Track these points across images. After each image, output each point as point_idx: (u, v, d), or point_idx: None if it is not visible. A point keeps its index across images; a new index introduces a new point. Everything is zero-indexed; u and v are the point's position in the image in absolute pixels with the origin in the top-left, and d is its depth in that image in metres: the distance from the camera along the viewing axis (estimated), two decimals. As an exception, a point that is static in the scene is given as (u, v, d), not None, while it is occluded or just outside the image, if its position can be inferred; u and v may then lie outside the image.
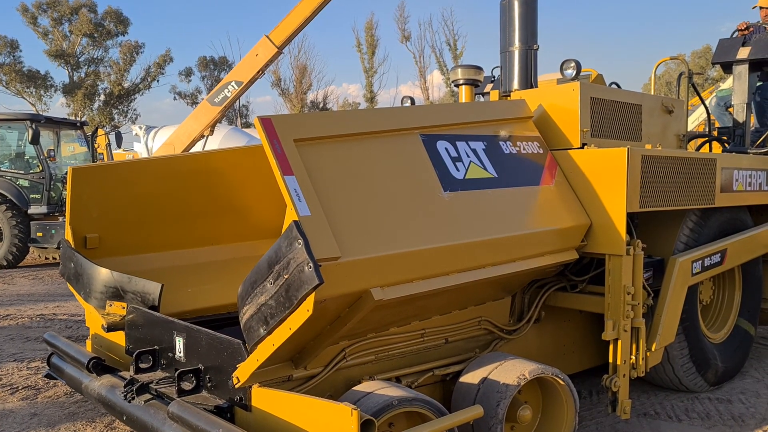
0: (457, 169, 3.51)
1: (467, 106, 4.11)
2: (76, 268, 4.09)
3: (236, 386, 2.93)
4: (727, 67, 6.09)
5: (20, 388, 5.17)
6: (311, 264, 2.49)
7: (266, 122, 2.82)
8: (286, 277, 2.62)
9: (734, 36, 6.15)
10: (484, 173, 3.63)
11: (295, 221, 2.58)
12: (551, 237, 3.76)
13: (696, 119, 12.03)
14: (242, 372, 2.90)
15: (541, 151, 4.04)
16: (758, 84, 6.45)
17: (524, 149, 3.96)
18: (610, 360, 3.99)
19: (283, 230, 2.66)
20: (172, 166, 4.61)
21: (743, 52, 5.70)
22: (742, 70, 5.80)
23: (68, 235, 4.19)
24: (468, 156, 3.62)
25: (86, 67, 42.58)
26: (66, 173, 13.08)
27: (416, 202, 3.24)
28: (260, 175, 4.82)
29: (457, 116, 3.81)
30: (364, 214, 2.98)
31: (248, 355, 2.87)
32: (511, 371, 3.39)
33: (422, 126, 3.51)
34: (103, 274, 3.93)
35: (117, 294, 3.86)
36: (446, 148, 3.55)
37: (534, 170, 3.91)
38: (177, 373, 3.18)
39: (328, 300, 2.74)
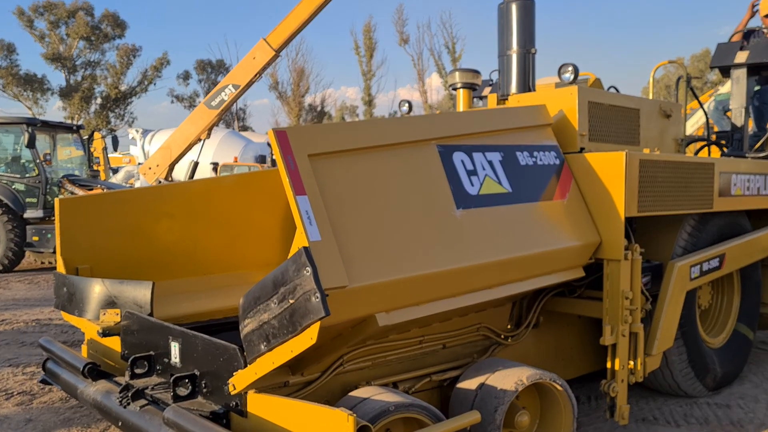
0: (472, 184, 3.42)
1: (486, 114, 3.96)
2: (68, 289, 4.07)
3: (232, 393, 2.91)
4: (726, 71, 6.09)
5: (15, 393, 5.14)
6: (318, 295, 2.45)
7: (281, 135, 2.74)
8: (291, 301, 2.57)
9: (732, 40, 6.15)
10: (498, 188, 3.54)
11: (305, 247, 2.53)
12: (561, 256, 3.72)
13: (695, 123, 12.04)
14: (239, 381, 2.88)
15: (557, 162, 3.93)
16: (756, 88, 6.44)
17: (540, 160, 3.85)
18: (609, 365, 3.97)
19: (292, 251, 2.61)
20: (161, 195, 4.65)
21: (741, 56, 5.70)
22: (740, 74, 5.80)
23: (60, 266, 4.19)
24: (484, 169, 3.53)
25: (83, 70, 42.62)
26: (62, 177, 13.16)
27: (428, 221, 3.15)
28: (252, 204, 4.93)
29: (476, 125, 3.69)
30: (374, 236, 2.91)
31: (246, 365, 2.84)
32: (508, 377, 3.37)
33: (440, 137, 3.40)
34: (94, 285, 3.91)
35: (110, 302, 3.84)
36: (462, 161, 3.44)
37: (548, 184, 3.81)
38: (172, 378, 3.15)
39: (332, 325, 2.71)
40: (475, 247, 3.27)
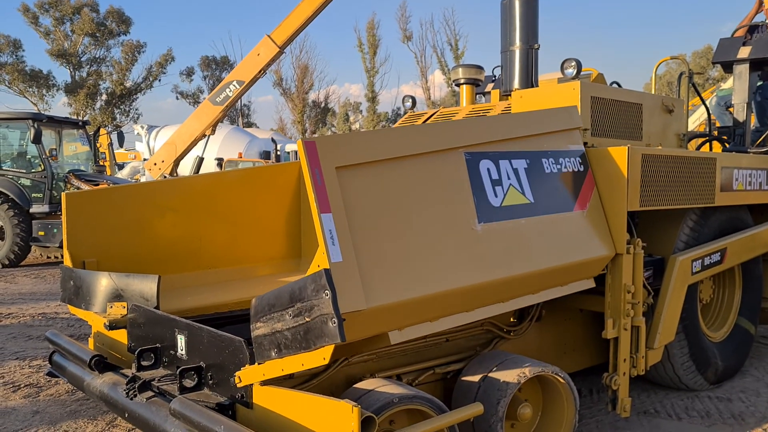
0: (495, 195, 3.35)
1: (516, 118, 3.83)
2: (75, 282, 4.11)
3: (238, 385, 2.95)
4: (728, 67, 6.09)
5: (22, 386, 5.19)
6: (336, 320, 2.45)
7: (310, 146, 2.65)
8: (307, 319, 2.57)
9: (735, 35, 6.16)
10: (521, 199, 3.48)
11: (325, 270, 2.49)
12: (576, 269, 3.72)
13: (696, 119, 12.04)
14: (246, 376, 2.91)
15: (582, 169, 3.87)
16: (759, 83, 6.45)
17: (566, 166, 3.79)
18: (611, 358, 4.00)
19: (312, 268, 2.59)
20: (167, 190, 4.71)
21: (744, 52, 5.71)
22: (743, 69, 5.81)
23: (67, 260, 4.24)
24: (509, 178, 3.46)
25: (88, 66, 42.64)
26: (67, 172, 13.22)
27: (448, 236, 3.10)
28: (257, 199, 4.99)
29: (506, 131, 3.59)
30: (394, 253, 2.87)
31: (252, 359, 2.87)
32: (511, 369, 3.40)
33: (469, 144, 3.33)
34: (101, 278, 3.96)
35: (117, 295, 3.88)
36: (488, 169, 3.37)
37: (571, 192, 3.76)
38: (179, 370, 3.19)
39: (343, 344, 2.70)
40: (493, 263, 3.23)
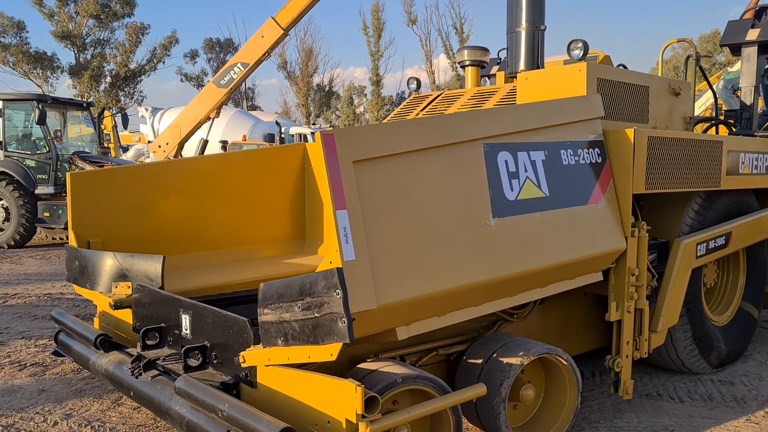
0: (511, 188, 3.31)
1: (537, 108, 3.70)
2: (80, 262, 4.13)
3: (242, 366, 2.97)
4: (736, 50, 6.05)
5: (28, 364, 5.23)
6: (345, 320, 2.45)
7: (328, 138, 2.60)
8: (316, 315, 2.56)
9: (744, 17, 6.10)
10: (537, 192, 3.45)
11: (338, 269, 2.48)
12: (587, 263, 3.71)
13: (703, 104, 11.97)
14: (251, 358, 2.93)
15: (600, 160, 3.82)
16: (767, 66, 6.40)
17: (584, 158, 3.74)
18: (614, 341, 4.02)
19: (323, 265, 2.58)
20: (172, 171, 4.72)
21: (752, 34, 5.66)
22: (751, 52, 5.76)
23: (72, 240, 4.25)
24: (525, 171, 3.41)
25: (92, 48, 42.47)
26: (72, 154, 13.22)
27: (461, 231, 3.07)
28: (261, 180, 4.98)
29: (527, 121, 3.51)
30: (406, 249, 2.84)
31: (259, 344, 2.88)
32: (514, 351, 3.41)
33: (489, 135, 3.26)
34: (106, 258, 3.97)
35: (122, 275, 3.90)
36: (506, 161, 3.32)
37: (587, 185, 3.72)
38: (183, 349, 3.21)
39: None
40: (504, 259, 3.22)
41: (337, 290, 2.47)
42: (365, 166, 2.73)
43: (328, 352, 2.60)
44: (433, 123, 3.17)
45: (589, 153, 3.78)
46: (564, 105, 3.81)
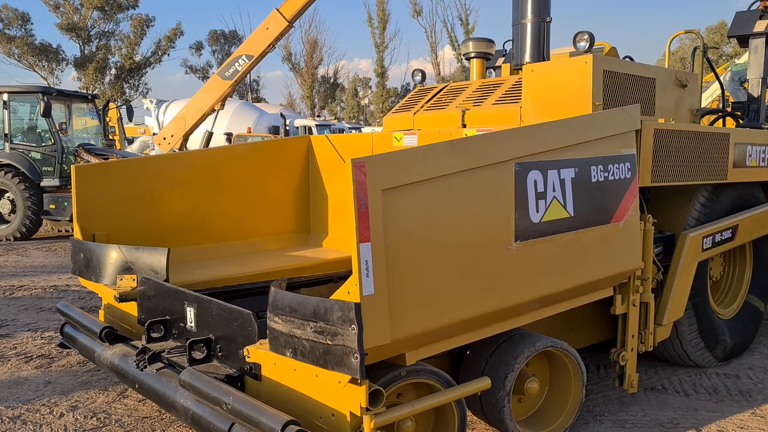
0: (537, 210, 3.18)
1: (572, 123, 3.49)
2: (85, 255, 4.13)
3: (247, 359, 2.97)
4: (744, 41, 6.00)
5: (34, 356, 5.25)
6: (358, 356, 2.41)
7: (359, 167, 2.49)
8: (329, 342, 2.52)
9: (752, 8, 6.04)
10: (562, 213, 3.32)
11: (356, 304, 2.43)
12: (602, 282, 3.68)
13: (709, 96, 11.89)
14: (256, 354, 2.92)
15: (629, 175, 3.68)
16: (775, 58, 6.36)
17: (614, 174, 3.59)
18: (619, 334, 4.01)
19: (339, 293, 2.55)
20: (176, 163, 4.72)
21: (761, 25, 5.61)
22: (759, 43, 5.72)
23: (77, 233, 4.25)
24: (554, 191, 3.28)
25: (97, 40, 42.50)
26: (77, 146, 13.24)
27: (482, 259, 2.98)
28: (266, 173, 5.00)
29: (561, 138, 3.35)
30: (426, 280, 2.76)
31: (266, 343, 2.87)
32: (519, 344, 3.40)
33: (521, 155, 3.13)
34: (111, 251, 3.98)
35: (127, 267, 3.90)
36: (535, 181, 3.18)
37: (613, 203, 3.60)
38: (188, 342, 3.22)
39: None
40: (522, 284, 3.16)
41: (353, 325, 2.41)
42: (394, 193, 2.63)
43: (337, 379, 2.56)
44: (465, 144, 3.01)
45: (619, 168, 3.62)
46: (601, 118, 3.66)
